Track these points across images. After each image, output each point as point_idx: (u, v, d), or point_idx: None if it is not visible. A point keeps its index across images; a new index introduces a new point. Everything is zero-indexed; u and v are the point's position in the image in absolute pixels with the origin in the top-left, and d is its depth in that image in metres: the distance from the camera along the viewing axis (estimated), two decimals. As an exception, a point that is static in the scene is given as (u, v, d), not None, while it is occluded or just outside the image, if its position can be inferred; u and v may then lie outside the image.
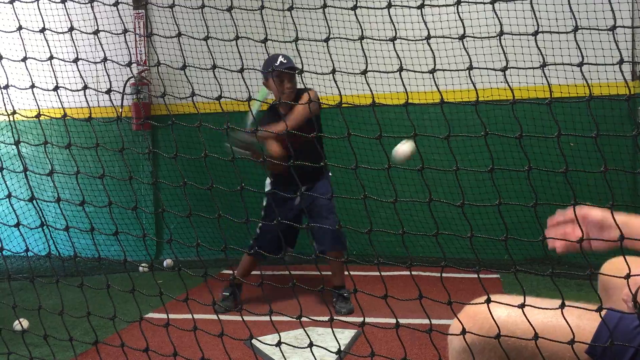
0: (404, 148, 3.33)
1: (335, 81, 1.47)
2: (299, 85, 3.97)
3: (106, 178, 1.65)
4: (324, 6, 1.40)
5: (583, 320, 1.26)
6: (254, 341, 3.04)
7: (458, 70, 1.29)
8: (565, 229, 1.41)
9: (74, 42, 1.70)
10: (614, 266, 1.50)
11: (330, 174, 3.95)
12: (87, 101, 1.76)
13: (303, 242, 4.41)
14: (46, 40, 1.75)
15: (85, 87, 1.68)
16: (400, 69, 1.34)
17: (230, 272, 4.66)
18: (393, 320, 1.45)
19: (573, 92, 4.39)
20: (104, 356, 2.89)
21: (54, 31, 1.74)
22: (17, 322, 3.22)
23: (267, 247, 3.42)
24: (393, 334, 3.18)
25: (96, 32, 1.64)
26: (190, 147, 5.08)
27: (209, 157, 1.55)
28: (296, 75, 3.74)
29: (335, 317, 1.52)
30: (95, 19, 1.79)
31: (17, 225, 1.73)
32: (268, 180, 3.92)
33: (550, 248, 1.41)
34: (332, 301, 3.78)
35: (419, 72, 1.32)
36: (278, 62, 3.65)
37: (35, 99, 1.76)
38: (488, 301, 1.28)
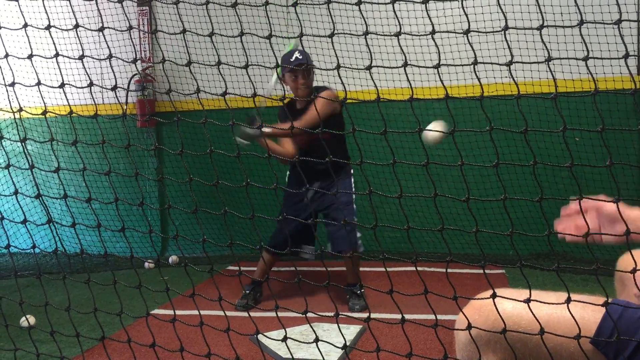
0: (432, 134, 3.15)
1: (340, 77, 1.48)
2: (317, 83, 3.96)
3: (112, 175, 1.66)
4: (328, 2, 1.41)
5: (587, 312, 1.27)
6: (259, 336, 3.05)
7: (463, 65, 1.29)
8: (577, 220, 1.41)
9: (79, 39, 1.71)
10: (631, 258, 1.50)
11: (352, 172, 3.89)
12: (92, 98, 1.77)
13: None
14: (51, 38, 1.76)
15: (90, 84, 1.69)
16: (405, 65, 1.34)
17: (236, 268, 4.66)
18: (398, 316, 1.45)
19: (578, 87, 4.38)
20: (111, 352, 2.91)
21: (59, 28, 1.75)
22: (23, 318, 3.23)
23: (280, 245, 3.43)
24: (398, 329, 3.18)
25: (101, 29, 1.64)
26: (195, 144, 5.09)
27: (214, 153, 1.56)
28: (312, 72, 3.71)
29: (341, 313, 1.52)
30: (100, 16, 1.79)
31: (24, 222, 1.74)
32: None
33: (559, 238, 1.41)
34: (346, 299, 3.79)
35: (423, 67, 1.32)
36: (293, 58, 3.62)
37: (41, 96, 1.76)
38: (494, 296, 1.29)
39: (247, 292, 3.81)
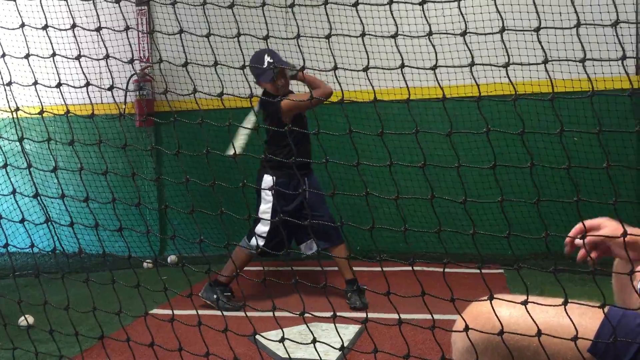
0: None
1: (337, 77, 1.48)
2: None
3: (110, 174, 1.66)
4: (326, 2, 1.41)
5: (585, 319, 1.26)
6: (257, 337, 3.05)
7: (460, 66, 1.29)
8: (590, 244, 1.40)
9: (76, 38, 1.71)
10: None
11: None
12: (89, 98, 1.77)
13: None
14: (48, 37, 1.76)
15: (87, 84, 1.69)
16: (402, 65, 1.34)
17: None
18: (396, 316, 1.45)
19: (576, 87, 4.38)
20: (110, 351, 2.91)
21: (56, 28, 1.74)
22: (22, 317, 3.23)
23: (274, 246, 3.39)
24: (396, 330, 3.18)
25: (98, 29, 1.64)
26: (193, 144, 5.09)
27: (211, 153, 1.56)
28: (287, 70, 3.75)
29: (338, 314, 1.52)
30: (98, 15, 1.79)
31: (22, 221, 1.74)
32: (268, 178, 3.82)
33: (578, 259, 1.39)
34: (346, 297, 3.74)
35: (421, 68, 1.32)
36: (265, 63, 3.69)
37: (39, 96, 1.76)
38: (491, 298, 1.29)
39: (217, 297, 3.64)
